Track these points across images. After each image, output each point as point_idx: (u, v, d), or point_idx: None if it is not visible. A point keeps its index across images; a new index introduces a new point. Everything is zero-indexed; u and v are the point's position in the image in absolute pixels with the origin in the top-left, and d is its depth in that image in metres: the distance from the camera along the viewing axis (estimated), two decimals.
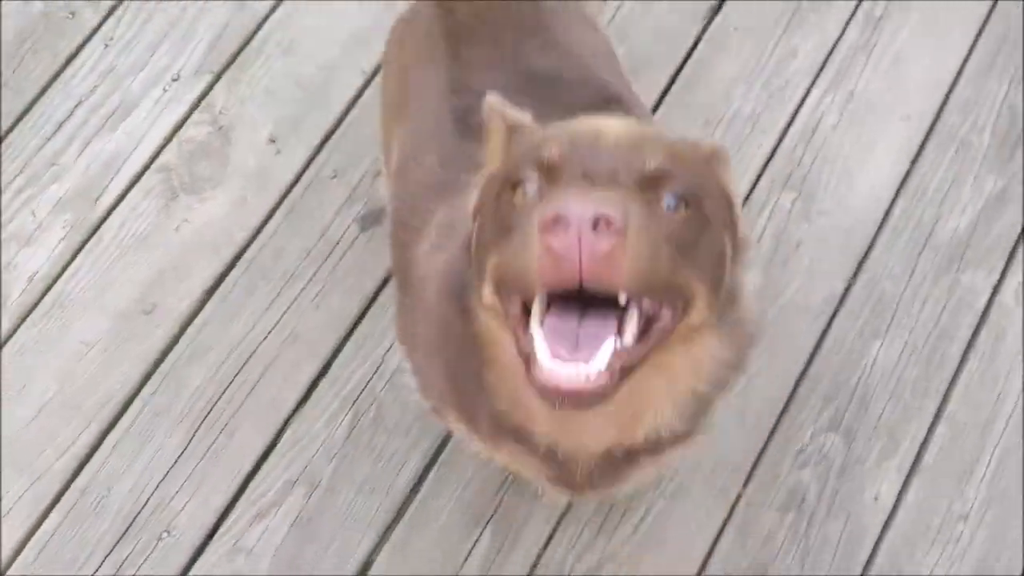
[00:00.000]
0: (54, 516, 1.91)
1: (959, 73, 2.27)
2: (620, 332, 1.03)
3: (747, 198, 2.14)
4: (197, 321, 2.03)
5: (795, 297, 2.08)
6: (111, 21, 2.25)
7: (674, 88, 2.23)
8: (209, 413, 1.97)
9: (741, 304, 1.21)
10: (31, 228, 2.09)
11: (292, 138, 2.17)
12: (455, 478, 1.94)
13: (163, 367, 2.00)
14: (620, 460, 1.29)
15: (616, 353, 1.02)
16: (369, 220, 2.10)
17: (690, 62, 2.25)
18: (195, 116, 2.19)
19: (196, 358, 2.01)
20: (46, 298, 2.04)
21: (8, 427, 1.95)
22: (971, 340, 2.07)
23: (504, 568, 1.89)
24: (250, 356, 2.01)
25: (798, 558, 1.92)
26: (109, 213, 2.11)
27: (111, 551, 1.89)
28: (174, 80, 2.21)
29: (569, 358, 1.01)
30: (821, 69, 2.26)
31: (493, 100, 1.21)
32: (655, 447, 1.28)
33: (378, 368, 2.00)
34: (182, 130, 2.17)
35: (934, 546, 1.93)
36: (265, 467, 1.94)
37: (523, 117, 1.20)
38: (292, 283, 2.06)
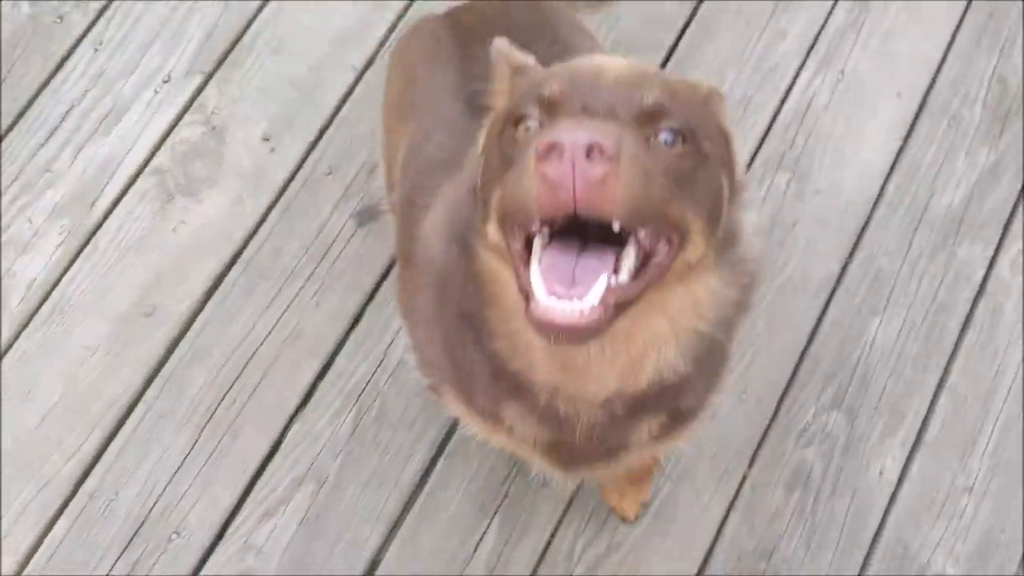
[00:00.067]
0: (63, 522, 1.91)
1: (948, 49, 2.28)
2: (617, 269, 1.05)
3: None
4: (197, 322, 2.03)
5: (793, 277, 2.09)
6: (100, 24, 2.24)
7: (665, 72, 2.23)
8: (214, 414, 1.97)
9: (741, 243, 1.22)
10: (28, 235, 2.09)
11: (286, 136, 2.17)
12: (461, 469, 1.94)
13: (165, 370, 2.00)
14: (622, 418, 1.29)
15: (611, 289, 1.04)
16: (366, 216, 2.10)
17: (680, 46, 2.26)
18: (188, 117, 2.18)
19: (198, 359, 2.01)
20: (46, 304, 2.04)
21: (13, 434, 1.96)
22: (969, 313, 2.08)
23: (513, 557, 1.90)
24: (252, 356, 2.01)
25: (805, 536, 1.93)
26: (105, 217, 2.11)
27: (122, 554, 1.89)
28: (165, 81, 2.21)
29: (564, 294, 1.03)
30: (811, 49, 2.27)
31: (500, 43, 1.24)
32: (658, 398, 1.27)
33: (381, 363, 2.00)
34: (175, 131, 2.17)
35: (939, 519, 1.95)
36: (271, 465, 1.95)
37: (527, 59, 1.23)
38: (291, 281, 2.06)
